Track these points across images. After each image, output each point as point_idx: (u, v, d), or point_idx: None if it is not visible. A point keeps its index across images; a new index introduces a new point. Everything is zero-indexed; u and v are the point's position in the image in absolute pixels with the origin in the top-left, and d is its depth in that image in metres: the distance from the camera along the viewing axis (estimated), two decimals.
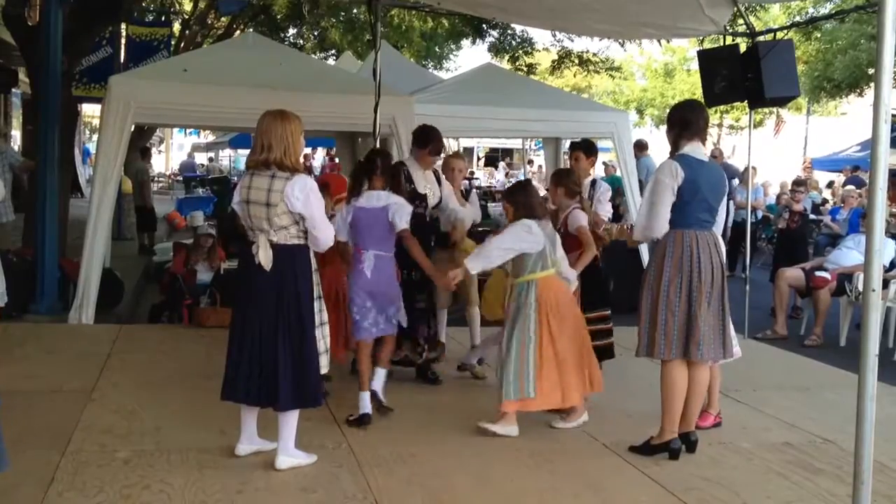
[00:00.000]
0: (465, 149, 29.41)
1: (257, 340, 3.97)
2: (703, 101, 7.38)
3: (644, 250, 8.85)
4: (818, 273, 8.53)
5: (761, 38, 7.63)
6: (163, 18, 15.58)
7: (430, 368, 5.71)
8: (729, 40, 7.78)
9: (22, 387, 5.18)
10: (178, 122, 13.18)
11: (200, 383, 5.21)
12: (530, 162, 24.24)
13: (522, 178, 16.65)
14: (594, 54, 16.13)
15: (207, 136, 31.66)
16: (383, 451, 4.32)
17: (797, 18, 19.57)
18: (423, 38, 19.60)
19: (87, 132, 25.90)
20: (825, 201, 16.49)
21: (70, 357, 6.05)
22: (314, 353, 4.01)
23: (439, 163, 6.09)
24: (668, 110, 5.14)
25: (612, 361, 5.54)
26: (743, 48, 7.48)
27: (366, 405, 4.76)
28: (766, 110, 25.31)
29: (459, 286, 6.24)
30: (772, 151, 26.74)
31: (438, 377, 5.72)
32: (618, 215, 10.29)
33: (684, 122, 4.46)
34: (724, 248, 4.71)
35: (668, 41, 23.03)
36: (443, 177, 5.87)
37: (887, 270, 8.04)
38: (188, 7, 16.92)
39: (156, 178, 24.36)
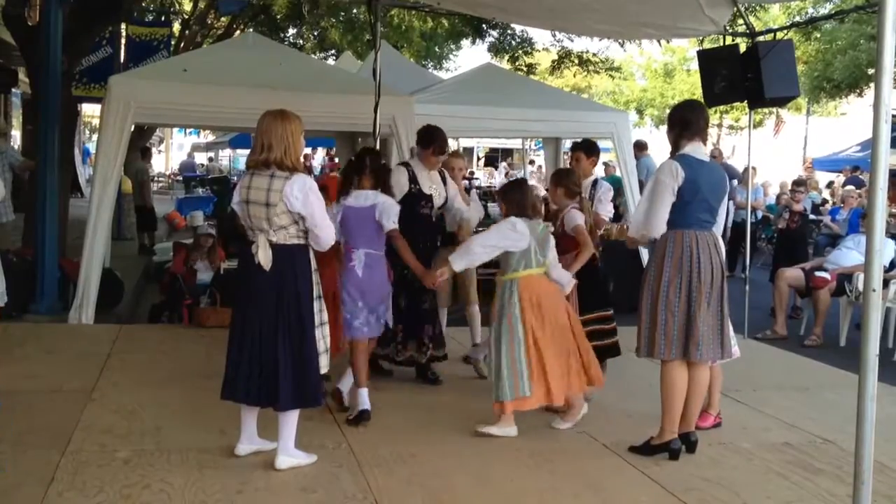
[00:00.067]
0: (465, 149, 29.41)
1: (257, 340, 3.97)
2: (702, 101, 7.38)
3: (644, 250, 8.85)
4: (818, 273, 8.53)
5: (761, 39, 7.63)
6: (163, 18, 15.59)
7: (431, 368, 5.71)
8: (729, 40, 7.78)
9: (22, 387, 5.19)
10: (178, 122, 13.19)
11: (200, 383, 5.21)
12: (531, 162, 24.25)
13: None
14: (594, 54, 16.15)
15: (207, 136, 31.69)
16: (383, 451, 4.32)
17: (797, 18, 19.58)
18: (423, 38, 19.61)
19: (87, 132, 25.91)
20: (825, 201, 16.49)
21: (70, 357, 6.05)
22: (314, 352, 4.01)
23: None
24: (667, 110, 5.15)
25: (612, 361, 5.54)
26: (743, 48, 7.48)
27: (364, 401, 4.77)
28: (766, 110, 25.34)
29: (459, 286, 6.27)
30: (772, 151, 26.78)
31: (438, 377, 5.72)
32: (618, 215, 10.29)
33: (685, 122, 4.45)
34: (723, 249, 4.71)
35: (667, 41, 23.03)
36: (448, 177, 5.87)
37: (887, 270, 8.04)
38: (188, 7, 16.93)
39: (156, 178, 24.36)
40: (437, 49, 22.79)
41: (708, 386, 4.60)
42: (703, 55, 7.98)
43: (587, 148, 6.01)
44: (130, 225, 13.71)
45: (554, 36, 15.16)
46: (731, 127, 31.99)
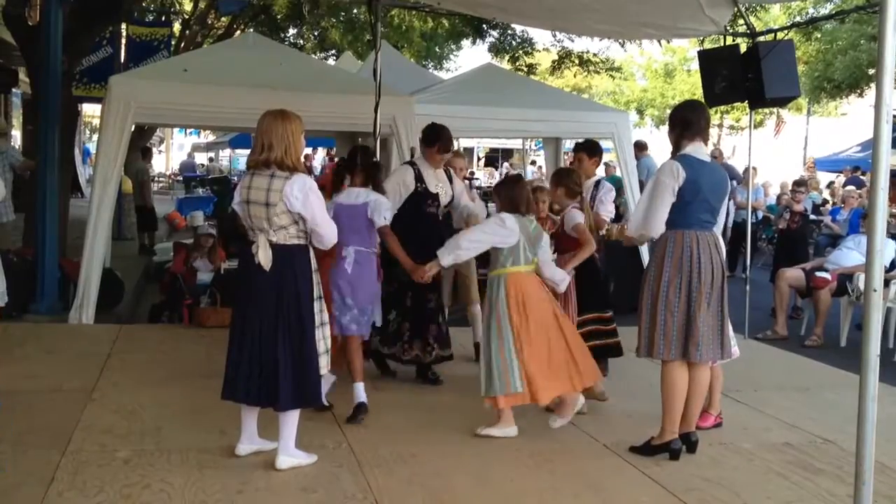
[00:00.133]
0: (465, 149, 29.37)
1: (257, 340, 3.97)
2: (703, 101, 7.38)
3: (644, 250, 8.85)
4: (818, 273, 8.53)
5: (762, 39, 7.62)
6: (163, 18, 15.58)
7: (431, 368, 5.71)
8: (729, 40, 7.78)
9: (22, 387, 5.19)
10: (179, 122, 13.18)
11: (200, 383, 5.21)
12: (533, 163, 24.25)
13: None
14: (594, 54, 16.14)
15: (207, 136, 31.70)
16: (383, 451, 4.32)
17: (797, 19, 19.57)
18: (423, 39, 19.60)
19: (87, 132, 25.90)
20: (825, 202, 16.49)
21: (70, 357, 6.04)
22: (314, 352, 4.00)
23: None
24: (668, 111, 5.15)
25: (612, 361, 5.53)
26: (743, 48, 7.48)
27: (359, 395, 4.78)
28: (767, 111, 25.36)
29: (460, 286, 6.27)
30: (772, 152, 26.78)
31: (439, 377, 5.71)
32: (618, 215, 10.28)
33: (686, 122, 4.45)
34: (724, 249, 4.71)
35: (668, 41, 23.05)
36: (454, 174, 5.86)
37: (888, 271, 8.04)
38: (188, 7, 16.93)
39: (156, 178, 24.37)
40: (437, 49, 22.79)
41: (708, 386, 4.60)
42: (703, 55, 7.98)
43: (590, 148, 6.00)
44: (131, 225, 13.72)
45: (554, 36, 15.15)
46: (731, 127, 31.99)
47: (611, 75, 18.54)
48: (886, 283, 7.37)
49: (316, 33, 19.22)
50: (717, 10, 7.18)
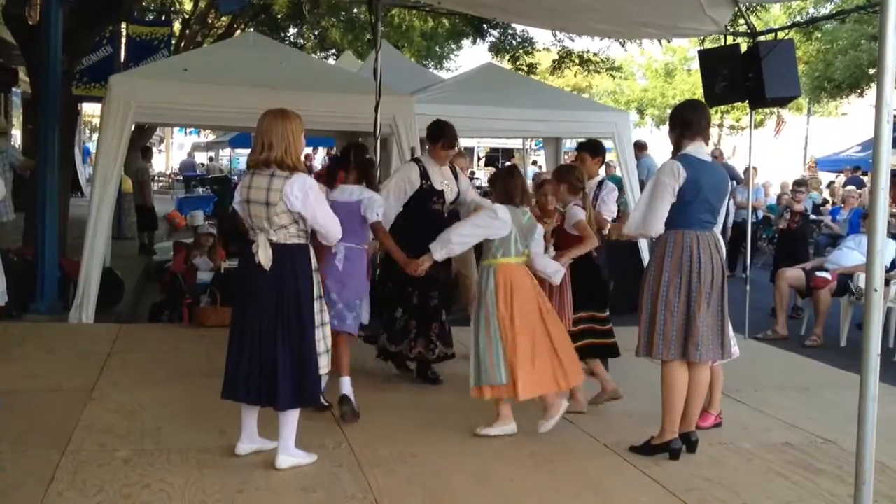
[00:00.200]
0: (465, 148, 29.34)
1: (257, 340, 3.97)
2: (704, 101, 7.37)
3: (644, 250, 8.85)
4: (819, 273, 8.53)
5: (762, 38, 7.62)
6: (163, 18, 15.57)
7: (431, 368, 5.71)
8: (730, 40, 7.78)
9: (22, 386, 5.19)
10: (179, 121, 13.17)
11: (200, 383, 5.21)
12: (534, 162, 24.24)
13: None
14: (595, 54, 16.12)
15: (207, 136, 31.69)
16: (383, 451, 4.32)
17: (798, 18, 19.56)
18: (423, 38, 19.58)
19: (87, 131, 25.90)
20: (826, 201, 16.48)
21: (70, 356, 6.04)
22: (314, 352, 4.00)
23: None
24: (668, 110, 5.15)
25: (612, 361, 5.52)
26: (744, 48, 7.48)
27: (345, 388, 4.77)
28: (767, 110, 25.35)
29: (461, 285, 6.26)
30: (772, 151, 26.77)
31: (439, 377, 5.71)
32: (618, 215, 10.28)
33: (686, 121, 4.45)
34: (724, 249, 4.70)
35: (668, 41, 23.04)
36: (459, 171, 5.85)
37: (888, 270, 8.03)
38: (188, 6, 16.92)
39: (156, 178, 24.37)
40: (437, 49, 22.76)
41: (708, 386, 4.59)
42: (703, 55, 7.98)
43: (592, 148, 5.98)
44: (131, 224, 13.71)
45: (555, 36, 15.14)
46: (731, 127, 32.00)
47: (611, 75, 18.53)
48: (887, 283, 7.36)
49: (316, 33, 19.21)
50: (718, 10, 7.18)
